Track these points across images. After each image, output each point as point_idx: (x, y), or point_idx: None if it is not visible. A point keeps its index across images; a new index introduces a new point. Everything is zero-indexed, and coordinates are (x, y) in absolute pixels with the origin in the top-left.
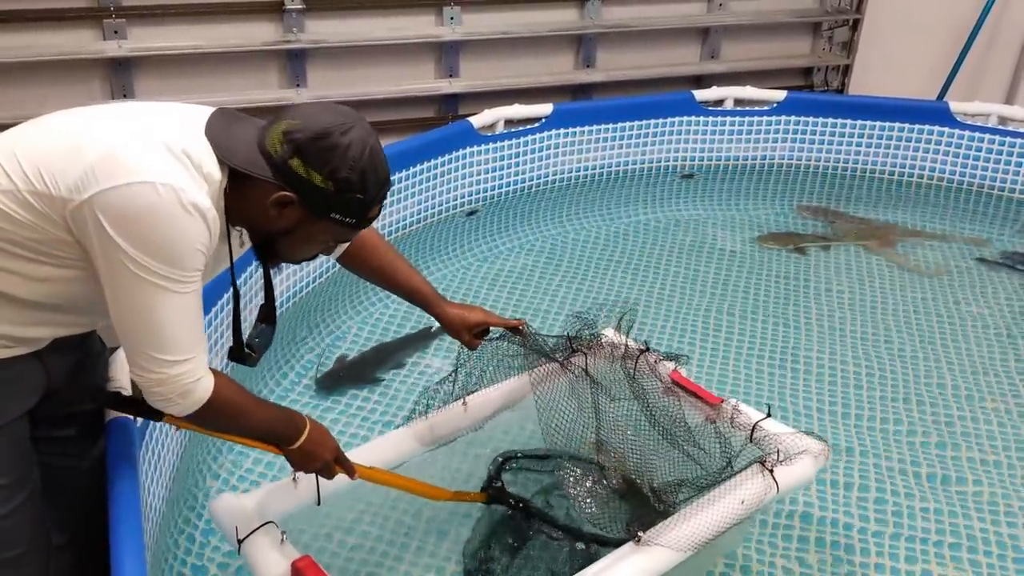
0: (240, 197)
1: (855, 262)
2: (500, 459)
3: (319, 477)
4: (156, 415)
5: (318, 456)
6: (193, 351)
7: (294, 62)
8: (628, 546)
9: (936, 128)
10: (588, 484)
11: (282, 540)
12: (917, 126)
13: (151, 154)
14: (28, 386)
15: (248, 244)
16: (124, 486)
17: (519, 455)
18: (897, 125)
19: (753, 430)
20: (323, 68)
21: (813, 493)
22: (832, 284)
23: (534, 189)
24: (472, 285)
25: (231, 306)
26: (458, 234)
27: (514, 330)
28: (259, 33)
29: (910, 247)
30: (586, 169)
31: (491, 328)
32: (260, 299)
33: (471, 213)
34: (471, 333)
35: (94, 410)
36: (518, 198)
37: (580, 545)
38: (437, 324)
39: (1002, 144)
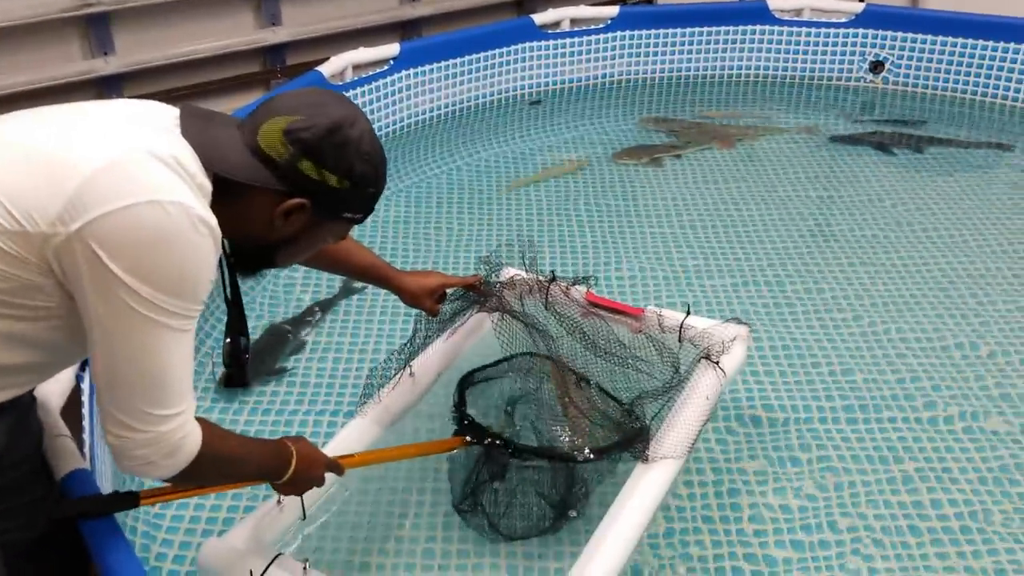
0: (231, 208)
1: (706, 165)
2: (458, 394)
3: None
4: (133, 503)
5: (312, 478)
6: (185, 401)
7: (97, 28)
8: (639, 467)
9: (757, 27)
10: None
11: (305, 568)
12: (740, 27)
13: (147, 168)
14: None
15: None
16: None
17: (476, 380)
18: (722, 28)
19: (681, 330)
20: (131, 31)
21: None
22: (692, 187)
23: (388, 136)
24: None
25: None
26: None
27: (471, 287)
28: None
29: (748, 143)
30: (438, 108)
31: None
32: None
33: None
34: (432, 299)
35: (36, 469)
36: None
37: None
38: (316, 298)
39: (817, 35)
